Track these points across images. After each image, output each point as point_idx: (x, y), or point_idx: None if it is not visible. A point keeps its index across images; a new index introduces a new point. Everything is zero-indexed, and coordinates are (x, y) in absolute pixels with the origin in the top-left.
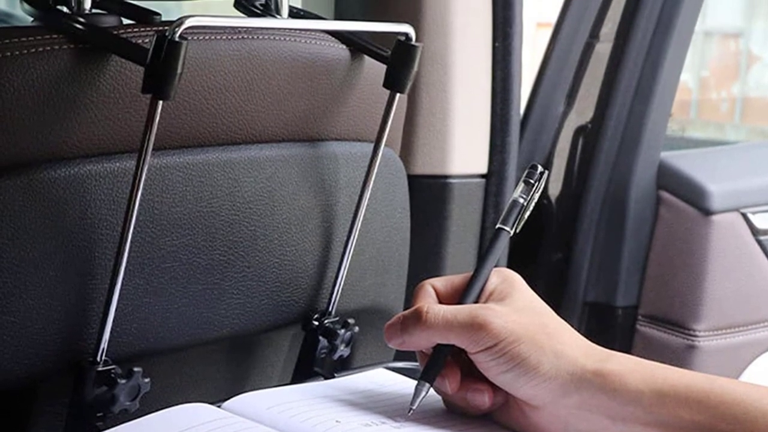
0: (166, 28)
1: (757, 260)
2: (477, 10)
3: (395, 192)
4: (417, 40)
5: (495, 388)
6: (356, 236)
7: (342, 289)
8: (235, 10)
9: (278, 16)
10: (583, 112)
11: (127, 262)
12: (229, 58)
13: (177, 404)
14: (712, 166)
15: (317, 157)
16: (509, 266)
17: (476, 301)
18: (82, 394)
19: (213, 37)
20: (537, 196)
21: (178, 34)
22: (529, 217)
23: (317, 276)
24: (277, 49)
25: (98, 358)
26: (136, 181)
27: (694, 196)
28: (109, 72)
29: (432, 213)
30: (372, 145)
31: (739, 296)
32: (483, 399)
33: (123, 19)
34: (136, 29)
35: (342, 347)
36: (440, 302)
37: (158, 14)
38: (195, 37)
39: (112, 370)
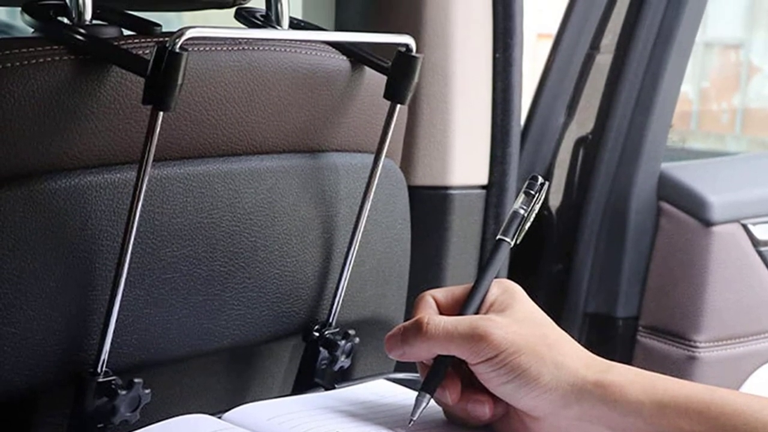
0: (166, 39)
1: (758, 271)
2: (477, 21)
3: (396, 203)
4: (417, 51)
5: (495, 399)
6: (357, 247)
7: (342, 300)
8: (236, 21)
9: (279, 27)
10: (583, 123)
11: (128, 273)
12: (230, 69)
13: (177, 415)
14: (713, 177)
15: (318, 168)
16: (510, 277)
17: (477, 312)
18: (82, 405)
19: (213, 48)
20: (537, 207)
21: (178, 45)
22: (529, 228)
23: (318, 287)
24: (277, 60)
25: (99, 369)
26: (137, 192)
27: (694, 207)
28: (110, 83)
29: (432, 224)
30: (372, 156)
31: (740, 307)
32: (483, 410)
33: (123, 30)
34: (136, 40)
35: (342, 358)
36: (441, 313)
37: (159, 25)
38: (195, 48)
39: (113, 381)
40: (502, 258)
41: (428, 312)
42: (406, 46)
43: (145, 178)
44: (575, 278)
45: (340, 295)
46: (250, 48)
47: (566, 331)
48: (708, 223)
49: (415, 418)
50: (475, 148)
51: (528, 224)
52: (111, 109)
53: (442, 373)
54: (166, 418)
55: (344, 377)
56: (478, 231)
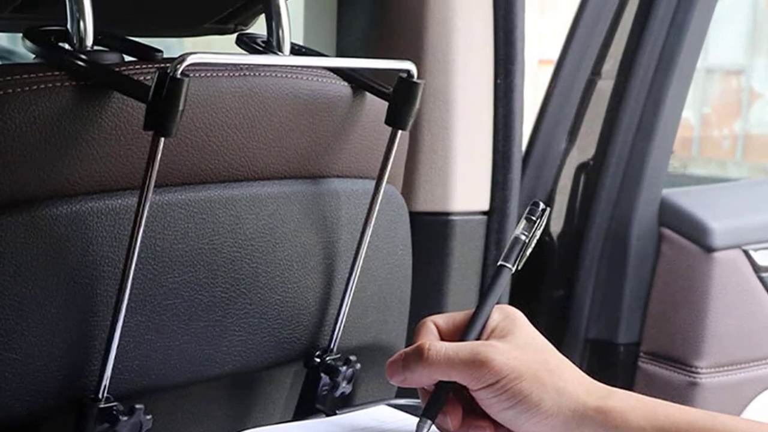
0: (167, 65)
1: (759, 297)
2: (479, 47)
3: (397, 229)
4: (419, 77)
5: (497, 425)
6: (358, 273)
7: (344, 326)
8: (237, 47)
9: (280, 53)
10: (584, 149)
11: (129, 299)
12: (231, 95)
13: None
14: (714, 203)
15: (319, 194)
16: (511, 303)
17: (478, 338)
18: (83, 431)
19: (215, 74)
20: (539, 233)
21: (179, 71)
22: (530, 254)
23: (319, 313)
24: (278, 86)
25: (100, 395)
26: (138, 218)
27: (695, 233)
28: (111, 109)
29: (434, 250)
30: (374, 182)
31: (741, 333)
32: None
33: (125, 56)
34: (137, 66)
35: (344, 384)
36: (442, 339)
37: (160, 51)
38: (197, 74)
39: (114, 407)
40: (504, 284)
41: (429, 338)
42: (408, 72)
43: (147, 204)
44: (576, 304)
45: (342, 321)
46: (252, 74)
47: (567, 357)
48: (709, 249)
49: None
50: (476, 174)
51: (529, 250)
52: (112, 135)
53: (444, 399)
54: None
55: (345, 403)
56: (480, 257)
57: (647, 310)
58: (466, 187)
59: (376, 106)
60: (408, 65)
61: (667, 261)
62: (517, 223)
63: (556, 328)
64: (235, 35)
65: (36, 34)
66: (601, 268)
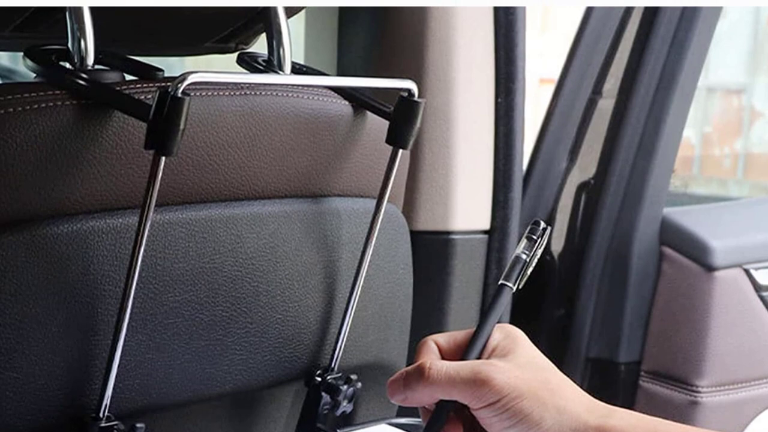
0: (168, 84)
1: (760, 316)
2: (480, 65)
3: (398, 248)
4: (420, 96)
5: None
6: (359, 292)
7: (345, 344)
8: (238, 66)
9: (281, 72)
10: (585, 168)
11: (130, 317)
12: (232, 114)
13: None
14: (715, 222)
15: (320, 213)
16: (512, 322)
17: (479, 357)
18: None
19: (216, 93)
20: (540, 252)
21: (180, 90)
22: (531, 273)
23: (320, 332)
24: (279, 105)
25: (101, 414)
26: (139, 237)
27: (696, 252)
28: (112, 128)
29: (435, 269)
30: (375, 201)
31: (742, 352)
32: None
33: (126, 75)
34: (138, 85)
35: (345, 403)
36: (443, 358)
37: (161, 70)
38: (197, 93)
39: (115, 426)
40: (505, 303)
41: (430, 357)
42: (408, 90)
43: (147, 223)
44: (577, 323)
45: (343, 340)
46: (252, 93)
47: (568, 376)
48: (710, 268)
49: None
50: (477, 193)
51: (530, 269)
52: (113, 154)
53: (444, 418)
54: None
55: (346, 422)
56: (481, 276)
57: (648, 328)
58: (467, 206)
59: (376, 125)
60: (409, 84)
61: (668, 280)
62: (518, 242)
63: (557, 347)
64: (236, 54)
65: (37, 53)
66: (602, 287)
